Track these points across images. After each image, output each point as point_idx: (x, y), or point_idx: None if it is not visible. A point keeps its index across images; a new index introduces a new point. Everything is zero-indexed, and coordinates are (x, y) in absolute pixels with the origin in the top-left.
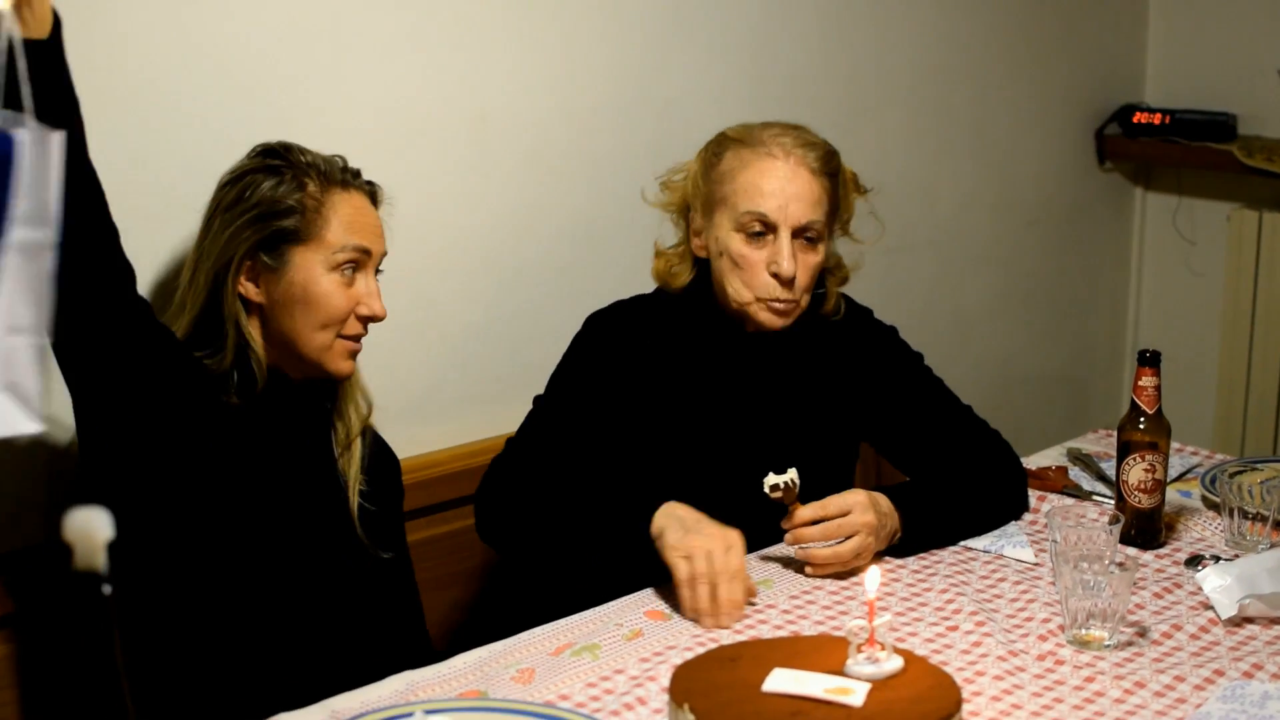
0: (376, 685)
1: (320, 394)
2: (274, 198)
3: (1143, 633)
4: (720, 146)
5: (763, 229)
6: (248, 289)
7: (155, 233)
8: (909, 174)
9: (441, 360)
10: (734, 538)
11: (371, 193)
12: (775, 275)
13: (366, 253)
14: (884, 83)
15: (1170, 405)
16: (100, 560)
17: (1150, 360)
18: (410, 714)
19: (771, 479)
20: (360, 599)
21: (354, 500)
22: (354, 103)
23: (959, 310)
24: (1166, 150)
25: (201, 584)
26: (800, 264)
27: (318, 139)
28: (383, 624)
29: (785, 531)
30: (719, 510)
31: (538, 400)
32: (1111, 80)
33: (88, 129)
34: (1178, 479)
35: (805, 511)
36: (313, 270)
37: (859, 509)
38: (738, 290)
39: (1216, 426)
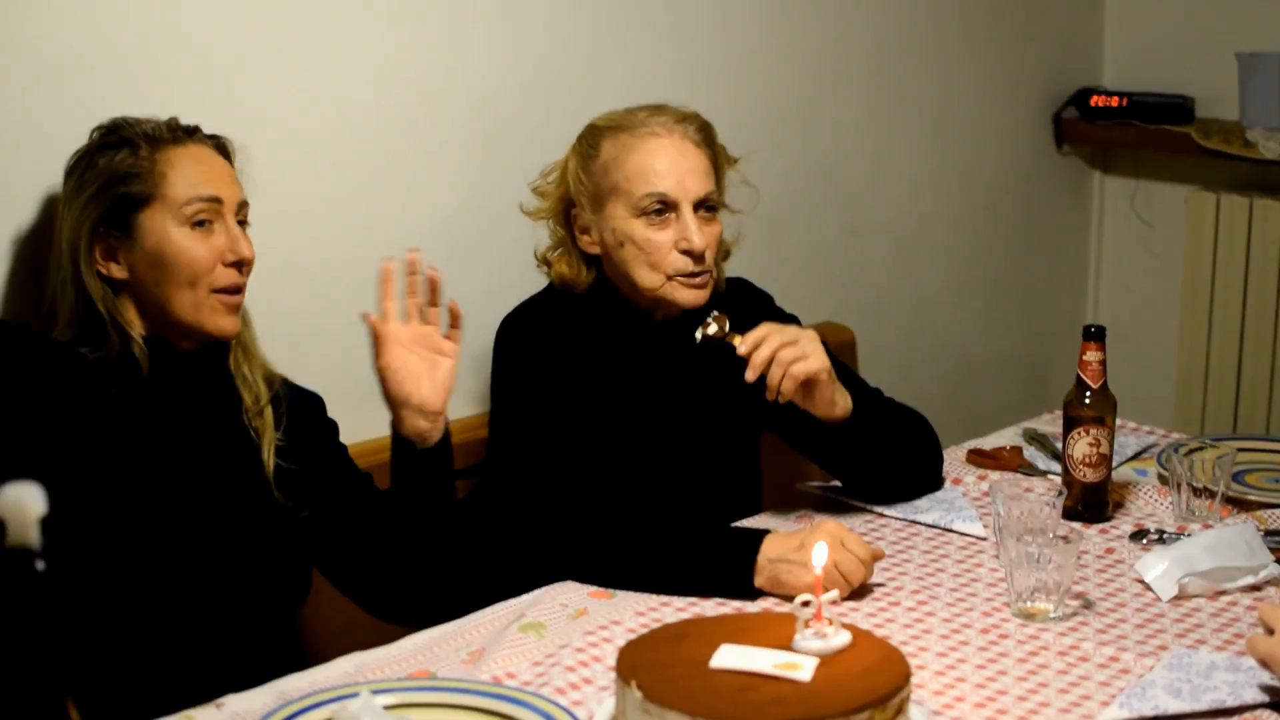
0: (325, 666)
1: (215, 362)
2: (109, 169)
3: (1088, 605)
4: (594, 138)
5: (663, 208)
6: (109, 268)
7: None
8: (866, 156)
9: None
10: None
11: (217, 145)
12: (686, 252)
13: (217, 200)
14: (841, 65)
15: (1130, 386)
16: (33, 536)
17: (1095, 335)
18: (356, 694)
19: (700, 330)
20: (284, 562)
21: (269, 461)
22: (286, 93)
23: (918, 293)
24: (1124, 133)
25: (120, 571)
26: (706, 235)
27: (242, 127)
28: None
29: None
30: (648, 498)
31: (501, 422)
32: (1069, 63)
33: None
34: (1134, 458)
35: (755, 333)
36: (165, 231)
37: (774, 327)
38: (647, 276)
39: (1176, 407)
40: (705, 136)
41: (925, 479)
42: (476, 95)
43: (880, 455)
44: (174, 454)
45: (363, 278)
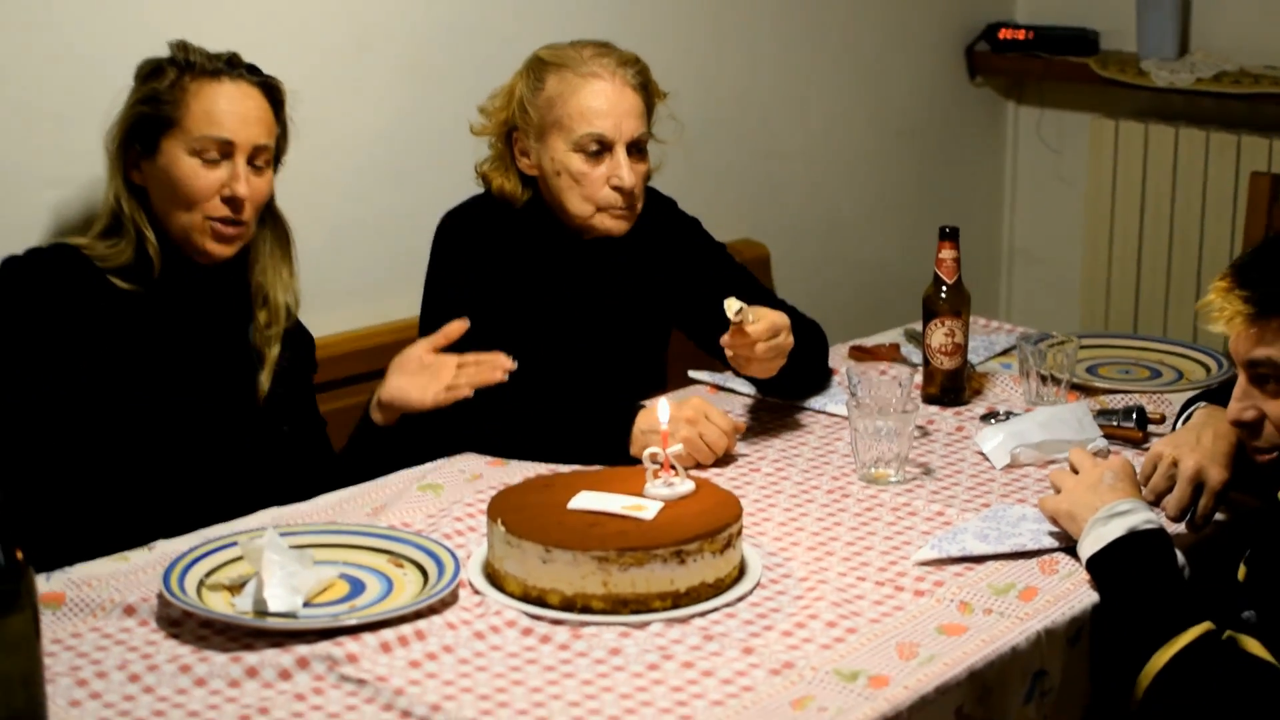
0: (247, 518)
1: (230, 278)
2: (152, 88)
3: (928, 472)
4: (540, 71)
5: (599, 147)
6: (132, 175)
7: (69, 134)
8: (780, 90)
9: (329, 253)
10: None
11: (265, 86)
12: (616, 188)
13: (228, 143)
14: (752, 3)
15: (1039, 300)
16: None
17: (950, 235)
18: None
19: (736, 306)
20: (264, 473)
21: (265, 381)
22: (246, 13)
23: (833, 215)
24: (1031, 64)
25: (102, 463)
26: (636, 174)
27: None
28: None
29: None
30: (562, 389)
31: (431, 312)
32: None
33: None
34: (1002, 353)
35: (759, 329)
36: (176, 155)
37: (786, 330)
38: (579, 205)
39: (1082, 319)
40: (642, 80)
41: (816, 382)
42: (407, 30)
43: (786, 370)
44: (172, 352)
45: (302, 193)
